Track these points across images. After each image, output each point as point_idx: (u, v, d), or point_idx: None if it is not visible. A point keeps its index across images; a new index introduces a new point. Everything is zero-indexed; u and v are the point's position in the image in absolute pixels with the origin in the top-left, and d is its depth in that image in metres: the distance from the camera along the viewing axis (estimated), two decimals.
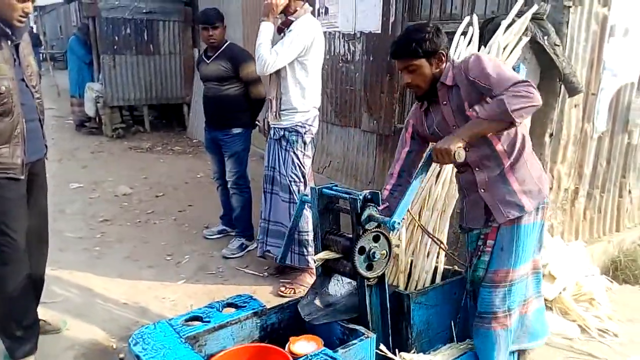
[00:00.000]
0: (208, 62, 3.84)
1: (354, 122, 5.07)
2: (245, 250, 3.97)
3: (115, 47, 7.91)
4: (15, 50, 2.34)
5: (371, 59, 4.72)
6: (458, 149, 1.90)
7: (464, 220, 2.22)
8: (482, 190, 2.10)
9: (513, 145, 2.05)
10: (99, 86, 8.06)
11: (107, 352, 2.72)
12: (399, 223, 1.91)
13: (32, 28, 13.04)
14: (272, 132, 3.32)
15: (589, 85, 3.52)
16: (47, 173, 2.68)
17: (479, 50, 2.71)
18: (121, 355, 2.69)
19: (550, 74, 3.25)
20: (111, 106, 8.07)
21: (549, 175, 2.18)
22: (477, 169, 2.10)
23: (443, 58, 2.07)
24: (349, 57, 5.00)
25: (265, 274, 3.67)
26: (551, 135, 3.45)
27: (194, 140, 8.07)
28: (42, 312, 2.72)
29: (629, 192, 4.23)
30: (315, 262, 2.16)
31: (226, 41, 3.87)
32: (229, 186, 3.97)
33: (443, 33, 2.09)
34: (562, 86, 3.26)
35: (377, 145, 4.84)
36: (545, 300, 3.05)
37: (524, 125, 2.08)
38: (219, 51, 3.79)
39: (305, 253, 3.31)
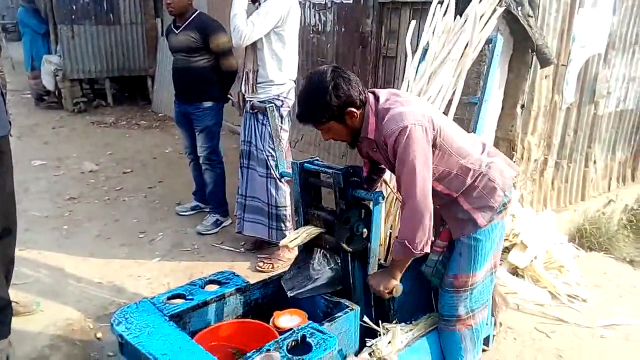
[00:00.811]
0: (177, 32, 3.68)
1: None
2: (221, 227, 3.92)
3: (73, 16, 7.53)
4: None
5: (343, 29, 4.65)
6: (395, 287, 1.95)
7: None
8: (437, 206, 2.02)
9: (459, 184, 1.96)
10: (57, 58, 7.70)
11: (84, 332, 2.67)
12: (384, 197, 1.91)
13: None
14: (247, 105, 3.24)
15: (559, 56, 3.58)
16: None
17: (455, 19, 2.67)
18: (98, 335, 2.65)
19: (523, 45, 3.28)
20: (71, 79, 7.73)
21: (504, 164, 2.06)
22: None
23: (354, 112, 1.86)
24: (320, 28, 4.92)
25: (242, 249, 3.65)
26: (522, 106, 3.50)
27: (160, 115, 7.85)
28: (14, 294, 2.62)
29: (594, 162, 4.37)
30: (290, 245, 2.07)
31: (196, 10, 3.71)
32: (201, 162, 3.88)
33: (345, 81, 1.83)
34: (534, 57, 3.30)
35: None
36: (517, 268, 3.17)
37: (466, 156, 1.95)
38: (188, 21, 3.64)
39: (284, 228, 3.29)
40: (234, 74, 3.70)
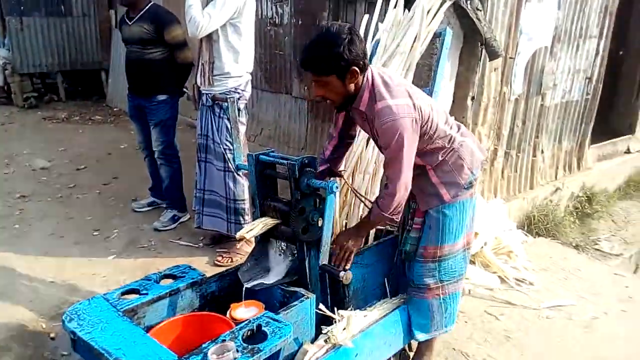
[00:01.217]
0: (130, 23, 3.60)
1: (285, 88, 5.04)
2: (178, 222, 3.88)
3: (22, 8, 7.26)
4: None
5: (300, 22, 4.66)
6: (359, 246, 2.14)
7: None
8: None
9: (434, 158, 2.08)
10: (6, 52, 7.41)
11: (37, 333, 2.61)
12: (337, 186, 1.95)
13: None
14: (203, 98, 3.22)
15: (507, 49, 3.71)
16: None
17: (403, 12, 2.73)
18: (52, 335, 2.60)
19: (472, 39, 3.39)
20: (21, 73, 7.49)
21: (474, 145, 2.20)
22: None
23: (357, 74, 1.89)
24: (277, 20, 4.92)
25: (201, 244, 3.62)
26: (473, 98, 3.62)
27: (115, 109, 7.67)
28: None
29: (542, 151, 4.56)
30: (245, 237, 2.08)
31: (150, 1, 3.63)
32: (156, 157, 3.81)
33: (359, 40, 1.88)
34: (483, 50, 3.41)
35: (308, 112, 4.85)
36: None
37: (443, 137, 2.06)
38: (142, 12, 3.56)
39: (242, 222, 3.29)
40: (190, 67, 3.66)
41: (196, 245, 3.61)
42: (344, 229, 2.57)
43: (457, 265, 2.22)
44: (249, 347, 1.66)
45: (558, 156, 4.81)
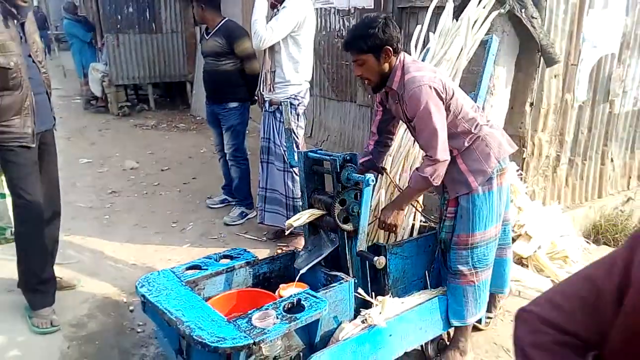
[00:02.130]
0: (207, 38, 4.03)
1: (350, 96, 5.27)
2: (246, 218, 4.22)
3: (118, 26, 8.09)
4: (21, 28, 2.56)
5: None
6: (402, 219, 2.28)
7: None
8: None
9: (456, 143, 2.22)
10: (103, 66, 8.26)
11: (119, 305, 3.00)
12: (373, 180, 2.14)
13: (38, 8, 13.11)
14: (266, 104, 3.53)
15: (569, 56, 3.69)
16: (58, 150, 2.93)
17: (455, 19, 2.87)
18: (131, 308, 2.97)
19: (529, 46, 3.43)
20: (116, 85, 8.29)
21: (502, 137, 2.32)
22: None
23: (390, 53, 2.13)
24: (344, 33, 5.17)
25: (264, 238, 3.93)
26: (531, 104, 3.64)
27: (197, 118, 8.29)
28: (58, 271, 2.99)
29: (611, 160, 4.42)
30: (289, 228, 2.33)
31: (224, 18, 4.05)
32: (227, 158, 4.20)
33: (393, 26, 2.14)
34: (541, 57, 3.44)
35: (371, 119, 5.04)
36: (521, 257, 3.30)
37: (468, 121, 2.20)
38: (217, 28, 3.97)
39: None
40: (257, 77, 3.99)
41: (260, 239, 3.91)
42: None
43: (489, 252, 2.33)
44: (288, 315, 1.88)
45: (631, 165, 4.63)
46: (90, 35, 8.49)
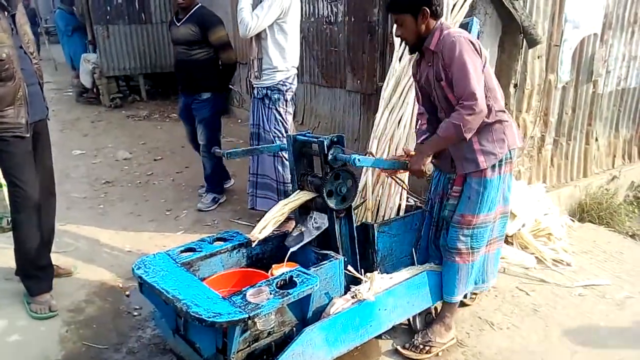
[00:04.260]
0: (178, 25, 3.89)
1: (340, 82, 5.31)
2: (218, 203, 4.29)
3: (107, 17, 8.04)
4: (12, 20, 2.60)
5: (353, 19, 4.93)
6: (428, 166, 2.28)
7: (440, 165, 2.49)
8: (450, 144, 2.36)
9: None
10: (94, 57, 8.24)
11: (115, 290, 3.07)
12: (359, 160, 2.21)
13: (28, 2, 12.97)
14: (255, 91, 3.58)
15: (552, 37, 3.76)
16: (51, 142, 2.96)
17: None
18: (127, 293, 3.04)
19: (511, 27, 3.49)
20: (107, 76, 8.25)
21: (516, 130, 2.42)
22: None
23: (427, 14, 2.22)
24: (332, 19, 5.21)
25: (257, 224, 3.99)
26: (515, 85, 3.71)
27: None
28: (55, 259, 3.06)
29: (596, 139, 4.51)
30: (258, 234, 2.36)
31: (197, 4, 3.87)
32: (200, 150, 4.16)
33: None
34: (523, 38, 3.51)
35: (361, 104, 5.10)
36: (506, 235, 3.39)
37: (494, 98, 2.28)
38: (189, 14, 3.82)
39: None
40: (233, 67, 3.96)
41: (253, 225, 3.91)
42: (376, 205, 2.81)
43: (486, 234, 2.42)
44: (281, 291, 1.97)
45: (615, 144, 4.72)
46: (69, 28, 8.36)
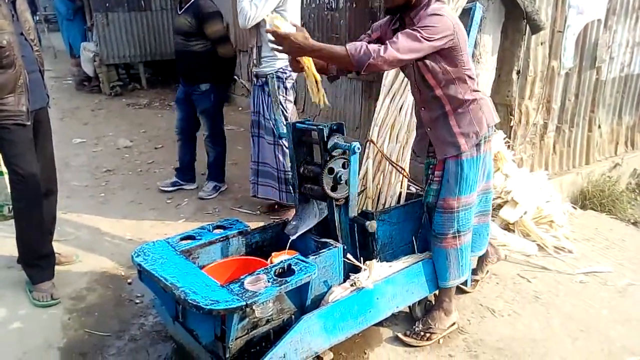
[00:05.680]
0: (179, 13, 3.85)
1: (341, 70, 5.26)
2: (219, 191, 4.30)
3: (107, 4, 7.98)
4: (13, 6, 2.57)
5: (354, 5, 4.87)
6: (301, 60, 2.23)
7: (415, 147, 2.50)
8: (429, 129, 2.35)
9: (455, 94, 2.23)
10: (94, 45, 8.19)
11: (117, 278, 3.08)
12: (359, 147, 2.19)
13: None
14: (255, 79, 3.55)
15: (555, 23, 3.72)
16: (52, 130, 2.96)
17: None
18: (129, 281, 3.05)
19: (514, 13, 3.45)
20: (107, 64, 8.21)
21: (492, 106, 2.40)
22: (422, 108, 2.35)
23: None
24: (333, 5, 5.15)
25: (258, 212, 4.00)
26: (518, 72, 3.68)
27: None
28: (57, 247, 3.06)
29: (599, 126, 4.48)
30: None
31: None
32: (204, 139, 4.16)
33: None
34: (526, 24, 3.47)
35: (362, 92, 5.07)
36: (508, 223, 3.39)
37: (471, 80, 2.24)
38: (188, 4, 3.77)
39: (292, 190, 3.60)
40: (233, 59, 3.91)
41: (254, 213, 3.98)
42: (377, 193, 2.80)
43: (470, 216, 2.41)
44: (279, 279, 1.96)
45: (618, 131, 4.70)
46: (71, 12, 8.27)
